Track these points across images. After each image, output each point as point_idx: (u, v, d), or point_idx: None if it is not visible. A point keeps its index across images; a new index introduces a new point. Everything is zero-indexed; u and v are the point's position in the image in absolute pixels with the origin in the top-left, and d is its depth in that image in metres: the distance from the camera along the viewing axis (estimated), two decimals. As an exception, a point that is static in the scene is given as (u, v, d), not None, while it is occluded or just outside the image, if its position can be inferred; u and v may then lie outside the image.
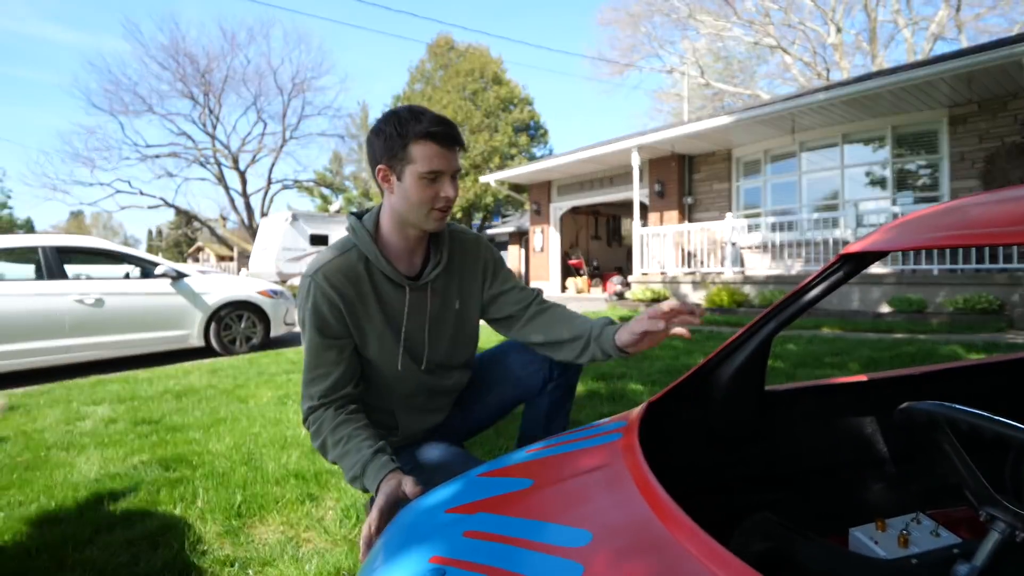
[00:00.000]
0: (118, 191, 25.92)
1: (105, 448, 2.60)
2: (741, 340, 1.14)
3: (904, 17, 20.27)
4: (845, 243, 8.47)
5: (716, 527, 0.74)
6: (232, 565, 1.55)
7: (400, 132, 1.21)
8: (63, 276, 5.07)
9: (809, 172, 9.94)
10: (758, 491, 1.27)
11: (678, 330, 1.21)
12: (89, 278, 5.37)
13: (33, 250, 5.09)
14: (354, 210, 1.47)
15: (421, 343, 1.43)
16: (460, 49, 28.92)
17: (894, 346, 4.69)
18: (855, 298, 7.55)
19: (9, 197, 23.40)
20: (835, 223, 8.77)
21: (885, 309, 7.16)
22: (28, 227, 28.00)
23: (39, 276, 4.99)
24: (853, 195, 9.34)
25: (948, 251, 7.25)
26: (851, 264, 1.07)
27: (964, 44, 18.28)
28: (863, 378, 1.33)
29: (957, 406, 0.69)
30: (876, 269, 8.21)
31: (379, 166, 1.27)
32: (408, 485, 1.09)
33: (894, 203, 8.87)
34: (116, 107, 24.32)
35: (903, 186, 8.96)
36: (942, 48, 22.65)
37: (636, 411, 1.09)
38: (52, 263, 5.03)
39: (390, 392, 1.44)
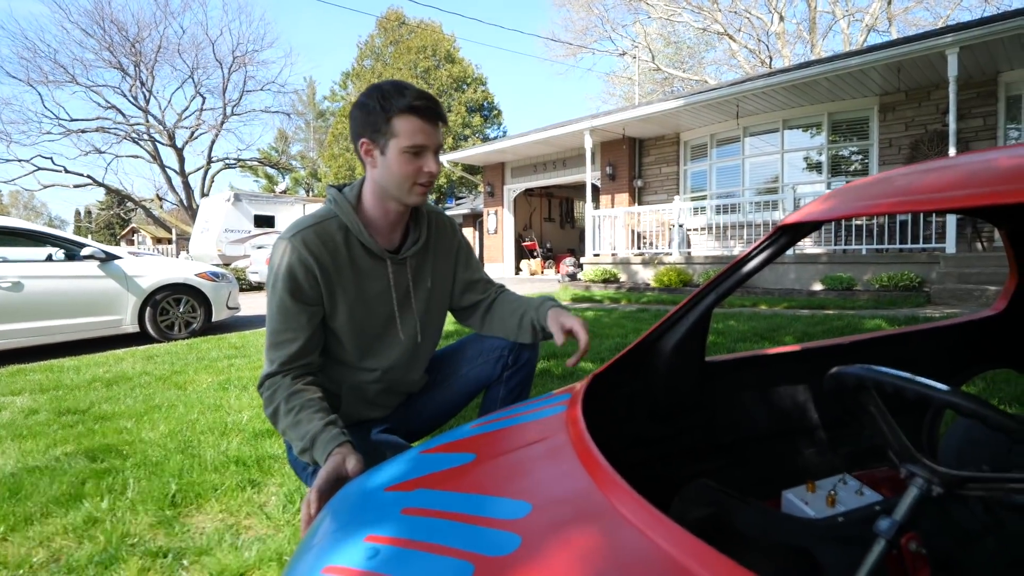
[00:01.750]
0: (39, 168, 24.11)
1: (23, 440, 2.43)
2: (682, 312, 1.16)
3: (841, 8, 21.10)
4: (785, 225, 8.82)
5: (658, 496, 0.75)
6: (165, 556, 1.48)
7: (384, 106, 1.19)
8: (-26, 258, 4.68)
9: (752, 156, 10.27)
10: (698, 460, 1.30)
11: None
12: (5, 260, 4.98)
13: (-62, 230, 4.68)
14: (332, 183, 1.42)
15: (409, 315, 1.41)
16: (411, 25, 28.21)
17: (825, 320, 4.93)
18: (791, 277, 7.90)
19: (-90, 173, 21.21)
20: (775, 206, 9.11)
21: (818, 287, 7.53)
22: (-64, 207, 25.72)
23: (-54, 258, 4.59)
24: (792, 179, 9.72)
25: (875, 232, 7.67)
26: (788, 235, 1.10)
27: (895, 36, 19.21)
28: (796, 348, 1.37)
29: (883, 368, 0.72)
30: (811, 250, 8.62)
31: (362, 140, 1.24)
32: (351, 463, 1.06)
33: (828, 187, 9.29)
34: (34, 76, 22.45)
35: (837, 171, 9.39)
36: (875, 39, 23.70)
37: (580, 384, 1.09)
38: (-39, 244, 4.64)
39: (343, 373, 1.40)
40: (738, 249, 9.42)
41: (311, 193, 33.63)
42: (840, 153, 9.40)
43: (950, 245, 6.75)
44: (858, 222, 8.01)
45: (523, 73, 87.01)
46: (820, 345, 1.39)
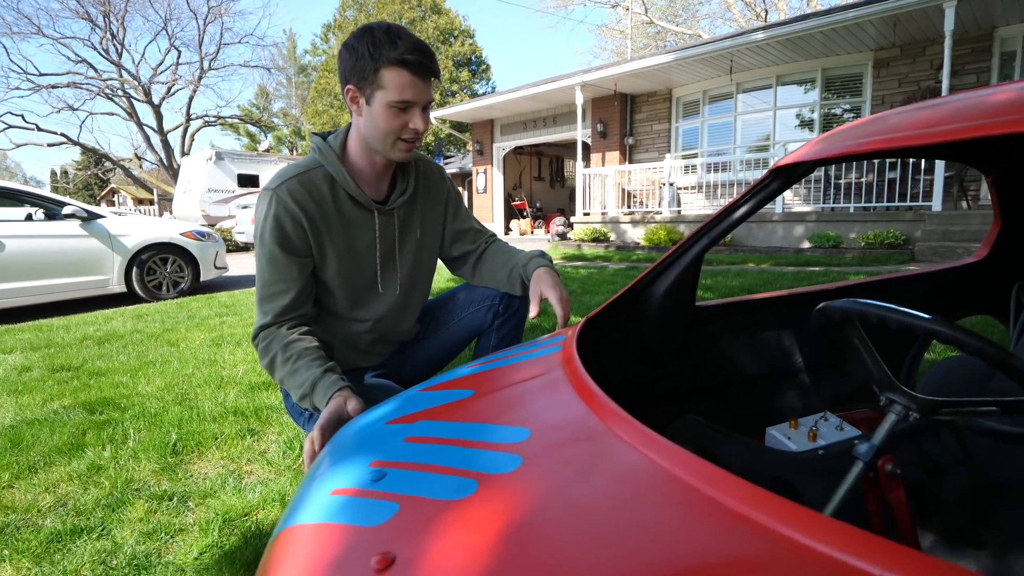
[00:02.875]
0: (10, 126, 23.30)
1: (20, 395, 2.45)
2: (674, 257, 1.18)
3: (839, -41, 20.51)
4: (774, 183, 8.83)
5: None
6: (171, 499, 1.52)
7: (373, 54, 1.13)
8: (-47, 217, 4.58)
9: (744, 113, 10.16)
10: (686, 401, 1.35)
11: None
12: (-16, 221, 4.88)
13: (-88, 189, 4.55)
14: (316, 132, 1.38)
15: (391, 268, 1.40)
16: (395, -27, 27.06)
17: (811, 277, 5.02)
18: (779, 235, 7.96)
19: None
20: (766, 164, 9.07)
21: (806, 245, 7.60)
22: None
23: (-77, 218, 4.48)
24: (783, 137, 9.66)
25: (864, 190, 7.71)
26: (781, 178, 1.12)
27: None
28: (783, 293, 1.41)
29: (868, 301, 0.75)
30: (799, 208, 8.66)
31: (348, 86, 1.20)
32: (351, 404, 1.09)
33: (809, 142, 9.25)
34: (-2, 28, 21.47)
35: (828, 129, 9.32)
36: (872, -8, 23.18)
37: (573, 327, 1.11)
38: (-62, 203, 4.52)
39: (335, 323, 1.41)
40: (727, 207, 9.44)
41: (295, 152, 32.87)
42: (833, 111, 9.33)
43: (936, 203, 6.81)
44: (847, 180, 8.03)
45: (512, 27, 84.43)
46: (806, 291, 1.43)
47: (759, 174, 8.90)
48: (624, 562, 0.45)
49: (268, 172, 16.08)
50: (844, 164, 8.12)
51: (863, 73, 8.81)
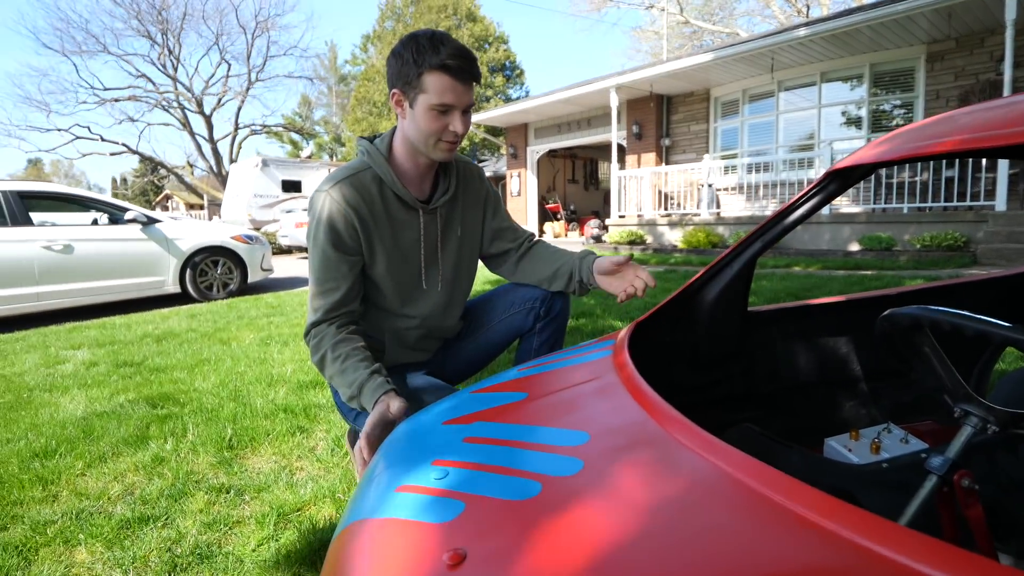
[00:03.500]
0: (77, 137, 24.63)
1: (89, 389, 2.59)
2: (726, 261, 1.17)
3: (888, -50, 19.76)
4: (820, 184, 8.56)
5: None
6: (228, 492, 1.58)
7: (416, 59, 1.19)
8: (28, 223, 4.87)
9: (786, 112, 9.90)
10: (738, 408, 1.33)
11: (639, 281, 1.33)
12: (55, 225, 5.18)
13: (-8, 196, 4.87)
14: (363, 135, 1.43)
15: (434, 266, 1.44)
16: (432, -18, 27.47)
17: (863, 281, 4.84)
18: (826, 237, 7.71)
19: (-43, 143, 21.88)
20: (810, 163, 8.82)
21: (855, 247, 7.34)
22: (-20, 175, 26.60)
23: (2, 223, 4.78)
24: (829, 135, 9.37)
25: (918, 189, 7.39)
26: (839, 181, 1.09)
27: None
28: (840, 299, 1.37)
29: (939, 308, 0.72)
30: (848, 209, 8.37)
31: (393, 90, 1.26)
32: (395, 406, 1.12)
33: (869, 142, 8.93)
34: (68, 47, 22.73)
35: (878, 126, 9.00)
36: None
37: (623, 331, 1.11)
38: (16, 209, 4.82)
39: (385, 320, 1.45)
40: (771, 208, 9.19)
41: (335, 158, 33.69)
42: (882, 107, 8.99)
43: (1000, 202, 6.47)
44: (899, 179, 7.72)
45: (545, 31, 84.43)
46: (865, 296, 1.38)
47: (803, 174, 8.66)
48: (695, 568, 0.45)
49: (310, 178, 16.52)
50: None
51: (915, 67, 8.46)
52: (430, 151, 1.29)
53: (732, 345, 1.26)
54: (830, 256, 7.10)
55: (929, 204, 7.23)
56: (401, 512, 0.63)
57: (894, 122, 8.89)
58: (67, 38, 22.61)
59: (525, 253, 1.56)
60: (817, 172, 8.75)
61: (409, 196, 1.34)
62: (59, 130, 24.11)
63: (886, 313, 0.80)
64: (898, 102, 8.83)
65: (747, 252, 1.15)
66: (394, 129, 1.36)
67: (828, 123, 9.46)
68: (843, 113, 9.37)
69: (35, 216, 5.05)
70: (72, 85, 23.88)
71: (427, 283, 1.44)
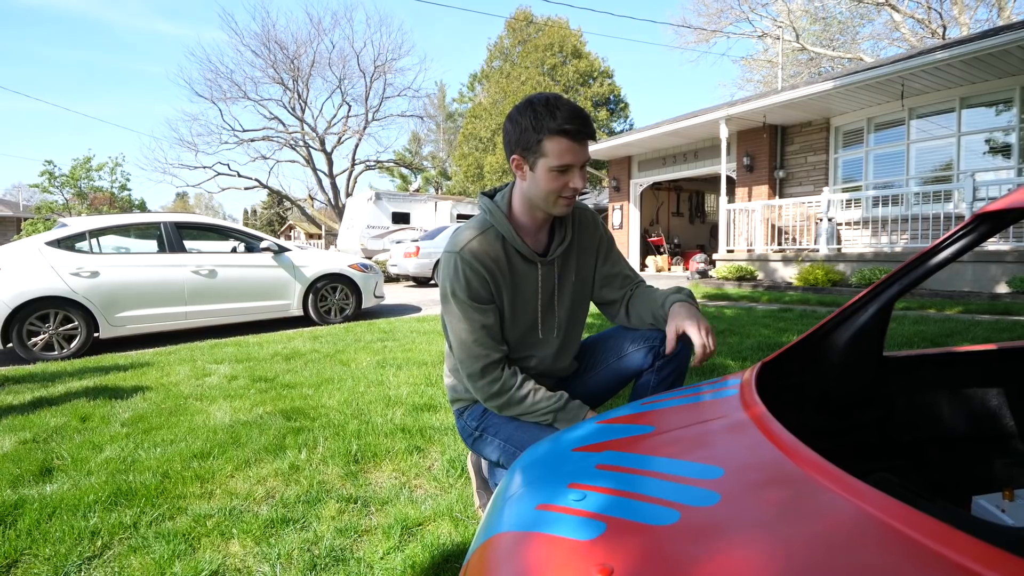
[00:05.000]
0: (219, 173, 27.92)
1: (232, 400, 2.91)
2: (861, 303, 1.13)
3: (1040, -38, 17.82)
4: (959, 218, 7.76)
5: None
6: (355, 503, 1.72)
7: (535, 126, 1.28)
8: (183, 250, 5.60)
9: (918, 141, 9.12)
10: (874, 458, 1.25)
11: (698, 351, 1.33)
12: (201, 252, 5.91)
13: (156, 226, 5.67)
14: (484, 190, 1.55)
15: (551, 315, 1.52)
16: (539, 23, 28.58)
17: (1014, 328, 4.29)
18: (967, 278, 6.93)
19: (128, 180, 25.64)
20: (947, 196, 8.04)
21: (1003, 289, 6.53)
22: (143, 207, 30.77)
23: (161, 249, 5.54)
24: (970, 165, 8.49)
25: (1086, 226, 6.47)
26: (988, 224, 1.03)
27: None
28: (992, 347, 1.26)
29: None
30: (994, 246, 7.48)
31: (513, 155, 1.36)
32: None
33: (1020, 174, 7.99)
34: (216, 94, 26.08)
35: (1032, 154, 8.04)
36: (1087, -5, 19.71)
37: (749, 371, 1.10)
38: (173, 238, 5.57)
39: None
40: (901, 245, 8.43)
41: (440, 191, 35.48)
42: (1036, 133, 8.04)
43: None
44: (1059, 214, 6.80)
45: (652, 63, 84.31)
46: (1020, 345, 1.27)
47: (939, 208, 7.91)
48: (848, 605, 0.46)
49: (418, 211, 17.53)
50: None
51: (1078, 89, 7.51)
52: (550, 208, 1.37)
53: (866, 391, 1.21)
54: (972, 299, 6.36)
55: (1100, 242, 6.31)
56: (544, 527, 0.69)
57: (1052, 149, 7.90)
58: (215, 87, 25.97)
59: (629, 300, 1.59)
60: (956, 205, 7.94)
61: (528, 251, 1.43)
62: (204, 167, 27.49)
63: (1052, 365, 0.75)
64: (1056, 127, 7.86)
65: (884, 295, 1.11)
66: (512, 186, 1.46)
67: (969, 152, 8.59)
68: (987, 141, 8.48)
69: (187, 244, 5.80)
70: (216, 128, 27.26)
71: (543, 331, 1.51)
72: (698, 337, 1.31)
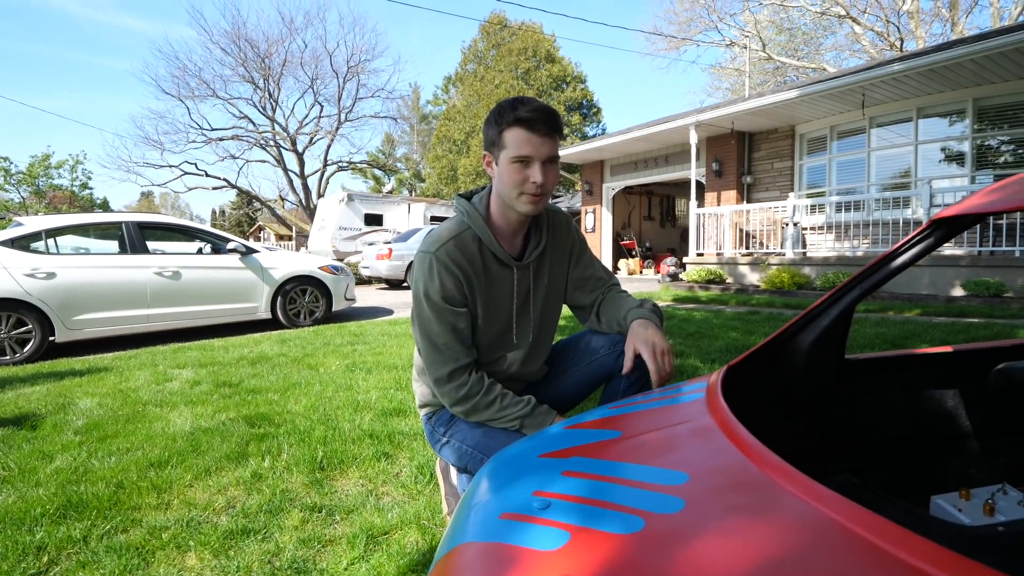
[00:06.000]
0: (185, 173, 27.23)
1: (194, 406, 2.82)
2: (823, 307, 1.14)
3: (992, -21, 18.66)
4: (917, 223, 8.04)
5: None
6: (320, 511, 1.68)
7: (498, 120, 1.31)
8: (145, 251, 5.42)
9: (879, 149, 9.43)
10: (834, 459, 1.27)
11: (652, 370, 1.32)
12: (165, 253, 5.73)
13: (117, 226, 5.47)
14: (460, 192, 1.53)
15: (525, 319, 1.51)
16: (513, 27, 28.68)
17: (968, 329, 4.46)
18: (925, 281, 7.18)
19: (89, 178, 24.76)
20: (906, 203, 8.31)
21: (958, 292, 6.78)
22: (105, 207, 29.73)
23: (122, 250, 5.35)
24: (927, 173, 8.81)
25: (1034, 232, 6.77)
26: (943, 229, 1.05)
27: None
28: (948, 349, 1.30)
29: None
30: (949, 250, 7.77)
31: (485, 153, 1.38)
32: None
33: (973, 180, 8.32)
34: (183, 92, 25.40)
35: (984, 163, 8.38)
36: (1034, 13, 20.67)
37: (715, 375, 1.11)
38: (135, 238, 5.39)
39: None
40: (863, 249, 8.69)
41: (414, 193, 35.27)
42: (987, 143, 8.38)
43: None
44: (1009, 220, 7.12)
45: (624, 69, 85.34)
46: (975, 347, 1.30)
47: (898, 213, 8.17)
48: (808, 613, 0.46)
49: (391, 212, 17.35)
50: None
51: (1027, 102, 7.86)
52: (516, 204, 1.35)
53: (828, 393, 1.22)
54: (930, 301, 6.60)
55: (1047, 247, 6.61)
56: (507, 538, 0.67)
57: (1002, 158, 8.26)
58: (183, 84, 25.28)
59: (600, 304, 1.58)
60: (914, 210, 8.22)
61: (504, 254, 1.41)
62: (170, 166, 26.76)
63: (1002, 366, 0.77)
64: (1006, 138, 8.21)
65: (845, 299, 1.13)
66: (489, 188, 1.45)
67: (926, 160, 8.91)
68: (943, 149, 8.81)
69: (150, 245, 5.62)
70: (184, 126, 26.50)
71: (517, 336, 1.50)
72: (652, 363, 1.30)
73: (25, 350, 4.63)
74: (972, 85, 8.13)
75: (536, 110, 1.29)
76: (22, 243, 4.86)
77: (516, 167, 1.30)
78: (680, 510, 0.63)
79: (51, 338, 4.78)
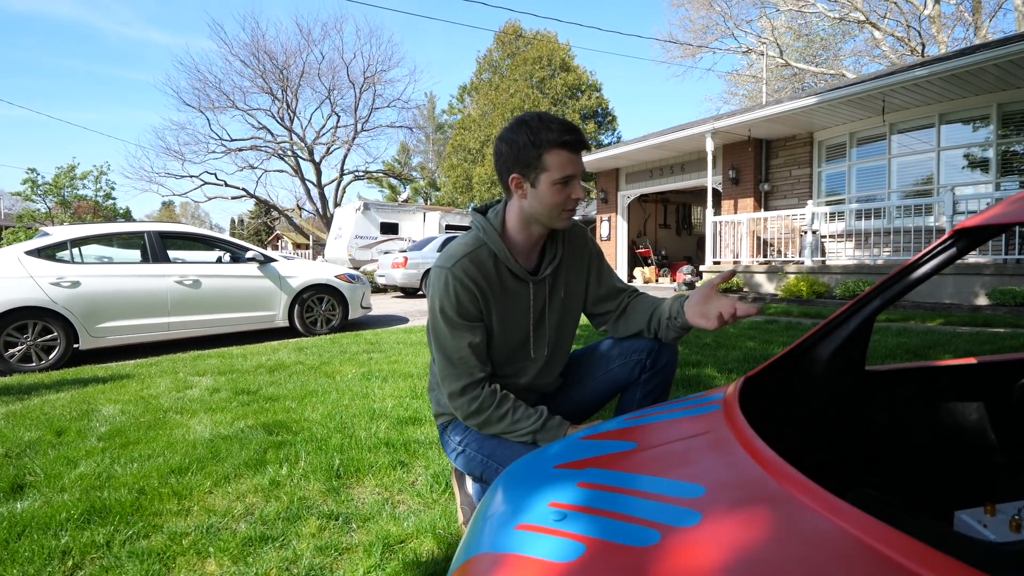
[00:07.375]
0: (205, 183, 27.68)
1: (213, 413, 2.86)
2: (843, 317, 1.13)
3: (1015, -17, 18.37)
4: (940, 231, 7.90)
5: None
6: (337, 519, 1.69)
7: (534, 141, 1.29)
8: (166, 260, 5.53)
9: (900, 155, 9.29)
10: (855, 473, 1.25)
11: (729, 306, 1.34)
12: (185, 262, 5.83)
13: (139, 235, 5.59)
14: (475, 205, 1.54)
15: (542, 333, 1.51)
16: (528, 37, 28.89)
17: (994, 339, 4.35)
18: (949, 290, 7.03)
19: (113, 189, 25.22)
20: (928, 209, 8.18)
21: (983, 302, 6.64)
22: (127, 216, 30.34)
23: (144, 259, 5.46)
24: (950, 179, 8.66)
25: (1062, 240, 6.62)
26: (966, 240, 1.04)
27: (1087, 10, 16.35)
28: (972, 361, 1.27)
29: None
30: (974, 259, 7.62)
31: (512, 175, 1.35)
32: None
33: (998, 188, 8.15)
34: (203, 104, 25.89)
35: (1008, 169, 8.22)
36: (1059, 16, 20.28)
37: (732, 386, 1.10)
38: (156, 247, 5.50)
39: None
40: (883, 257, 8.56)
41: (429, 201, 35.51)
42: (1012, 149, 8.22)
43: None
44: (1036, 228, 6.95)
45: (639, 77, 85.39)
46: (1001, 359, 1.28)
47: (920, 220, 8.04)
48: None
49: (407, 221, 17.49)
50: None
51: (1053, 107, 7.70)
52: (554, 222, 1.37)
53: (848, 405, 1.21)
54: (954, 311, 6.46)
55: (1076, 255, 6.44)
56: (523, 549, 0.67)
57: (1028, 164, 8.09)
58: (203, 96, 25.79)
59: (625, 309, 1.58)
60: (936, 218, 8.08)
61: (520, 269, 1.42)
62: (191, 176, 27.25)
63: (1030, 381, 0.75)
64: (1033, 143, 8.05)
65: (865, 309, 1.12)
66: (504, 203, 1.44)
67: (949, 166, 8.77)
68: (966, 156, 8.66)
69: (171, 254, 5.73)
70: (204, 137, 26.97)
71: (535, 350, 1.50)
72: (745, 307, 1.33)
73: (50, 357, 4.74)
74: (996, 90, 7.99)
75: (572, 131, 1.31)
76: (48, 252, 4.99)
77: (558, 188, 1.32)
78: (697, 523, 0.62)
79: (75, 345, 4.89)
